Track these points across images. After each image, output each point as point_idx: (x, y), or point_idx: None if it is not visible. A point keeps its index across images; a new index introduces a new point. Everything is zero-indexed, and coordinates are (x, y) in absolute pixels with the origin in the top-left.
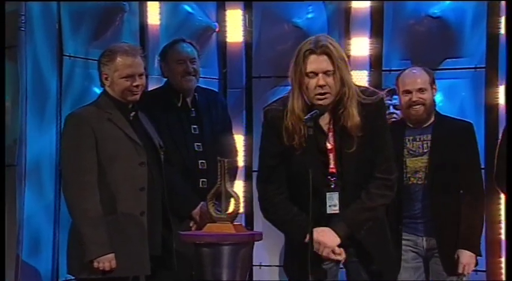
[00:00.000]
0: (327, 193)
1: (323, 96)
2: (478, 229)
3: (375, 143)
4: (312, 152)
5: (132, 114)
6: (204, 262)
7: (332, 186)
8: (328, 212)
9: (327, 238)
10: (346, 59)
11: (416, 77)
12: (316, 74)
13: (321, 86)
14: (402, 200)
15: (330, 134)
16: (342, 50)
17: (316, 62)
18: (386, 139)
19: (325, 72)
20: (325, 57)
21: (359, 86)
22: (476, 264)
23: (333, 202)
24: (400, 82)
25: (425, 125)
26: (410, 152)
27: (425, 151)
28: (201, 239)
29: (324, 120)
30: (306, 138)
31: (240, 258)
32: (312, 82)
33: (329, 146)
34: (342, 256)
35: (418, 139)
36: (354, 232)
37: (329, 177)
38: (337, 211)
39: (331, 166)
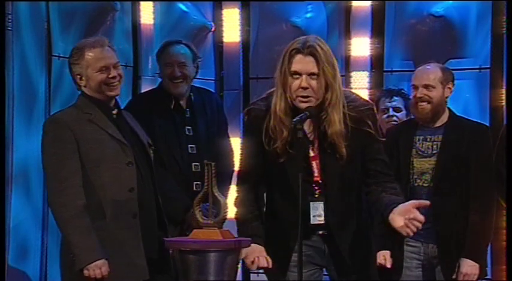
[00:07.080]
0: (311, 203)
1: (305, 99)
2: (484, 238)
3: (368, 153)
4: (296, 158)
5: (114, 112)
6: (190, 270)
7: (316, 195)
8: (312, 222)
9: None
10: (336, 63)
11: (425, 72)
12: (300, 74)
13: (304, 88)
14: None
15: (315, 141)
16: (331, 54)
17: (302, 63)
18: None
19: (310, 75)
20: (311, 58)
21: (350, 94)
22: (484, 275)
23: (317, 212)
24: (412, 76)
25: (437, 125)
26: (419, 152)
27: (434, 152)
28: (186, 245)
29: (308, 127)
30: (290, 142)
31: (227, 265)
32: (296, 83)
33: (312, 153)
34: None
35: (428, 139)
36: None
37: (313, 185)
38: (322, 222)
39: (316, 174)
